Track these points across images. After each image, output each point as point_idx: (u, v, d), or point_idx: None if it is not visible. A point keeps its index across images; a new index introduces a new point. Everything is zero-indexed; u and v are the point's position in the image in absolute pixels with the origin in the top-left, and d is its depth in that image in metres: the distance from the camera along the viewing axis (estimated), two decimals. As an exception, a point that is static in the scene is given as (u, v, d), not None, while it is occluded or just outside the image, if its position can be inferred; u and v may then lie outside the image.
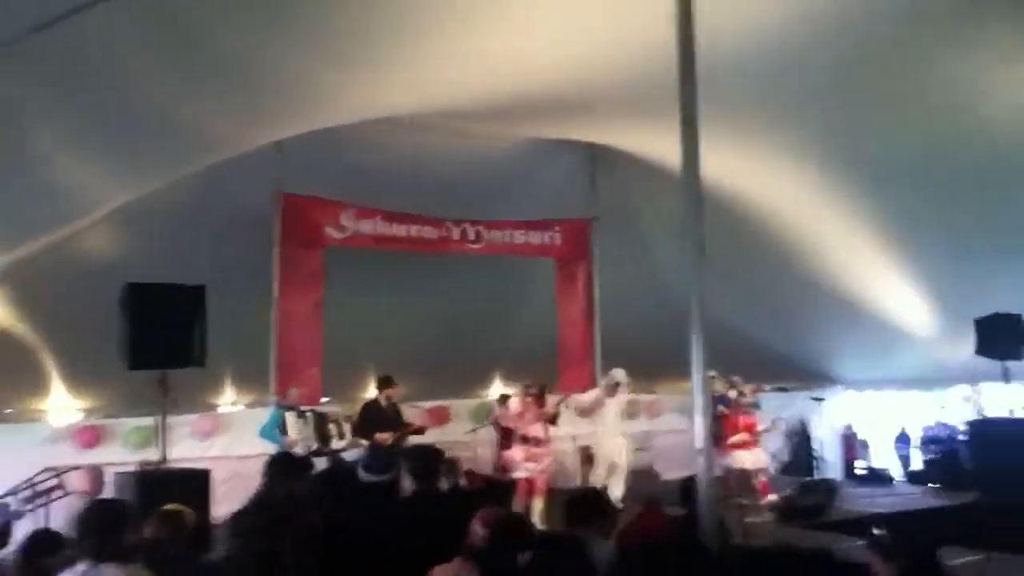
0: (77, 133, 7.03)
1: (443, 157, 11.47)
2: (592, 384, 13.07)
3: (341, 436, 9.52)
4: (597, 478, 9.60)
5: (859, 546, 3.48)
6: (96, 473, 6.69)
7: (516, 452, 9.11)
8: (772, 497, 10.00)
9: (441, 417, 11.28)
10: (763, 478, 10.51)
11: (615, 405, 9.92)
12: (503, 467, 9.48)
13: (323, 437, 9.28)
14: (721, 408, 10.67)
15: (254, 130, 8.95)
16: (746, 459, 10.39)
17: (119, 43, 6.03)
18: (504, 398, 11.31)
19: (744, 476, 10.27)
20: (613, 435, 9.81)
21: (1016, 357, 10.57)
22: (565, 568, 2.98)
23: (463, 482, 7.73)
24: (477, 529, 3.45)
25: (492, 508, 3.53)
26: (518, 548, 3.20)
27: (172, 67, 6.70)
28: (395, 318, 12.86)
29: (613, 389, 9.93)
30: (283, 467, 4.46)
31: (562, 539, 3.55)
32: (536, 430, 9.10)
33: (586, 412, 9.97)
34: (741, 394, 10.75)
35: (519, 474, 8.99)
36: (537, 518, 8.68)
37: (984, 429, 11.35)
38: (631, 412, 10.46)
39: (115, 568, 3.44)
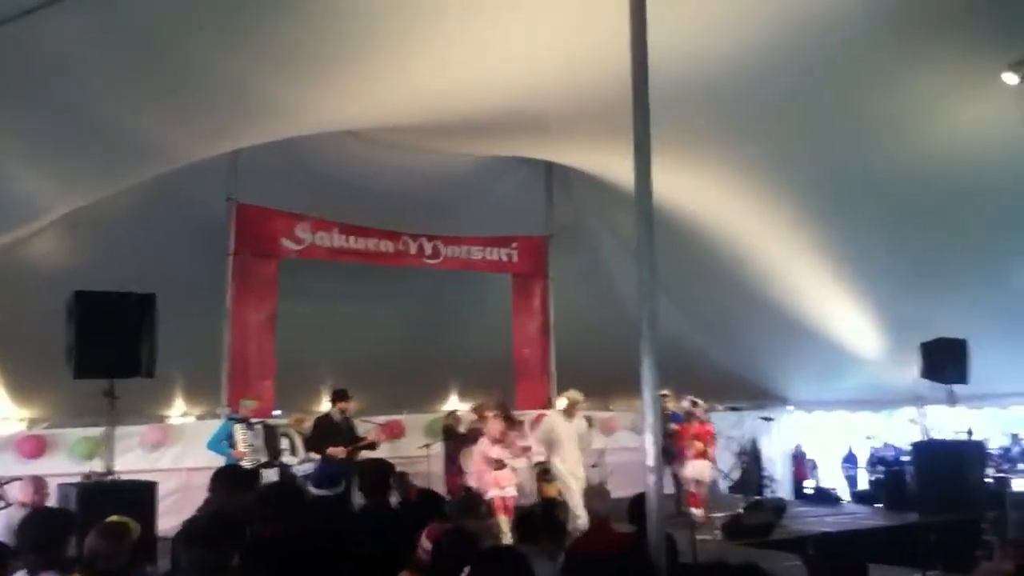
0: (25, 137, 6.93)
1: (399, 170, 11.49)
2: (548, 400, 13.15)
3: (294, 451, 9.44)
4: (572, 497, 9.45)
5: (796, 564, 3.55)
6: (39, 484, 6.50)
7: (489, 474, 9.09)
8: (720, 515, 10.12)
9: (395, 431, 11.22)
10: (702, 491, 10.66)
11: (571, 429, 9.89)
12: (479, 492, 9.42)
13: (273, 450, 9.18)
14: (672, 426, 10.83)
15: (208, 140, 8.88)
16: (695, 469, 10.57)
17: (72, 47, 5.97)
18: (453, 414, 11.30)
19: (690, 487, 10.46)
20: (574, 464, 9.75)
21: (960, 381, 10.79)
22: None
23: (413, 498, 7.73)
24: (424, 543, 3.47)
25: (439, 523, 3.55)
26: (461, 562, 3.22)
27: (125, 74, 6.64)
28: (350, 331, 12.81)
29: (571, 411, 9.90)
30: (229, 480, 4.41)
31: (504, 555, 3.57)
32: (500, 452, 9.13)
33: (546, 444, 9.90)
34: (695, 403, 10.92)
35: (493, 494, 8.99)
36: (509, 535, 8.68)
37: (927, 451, 11.57)
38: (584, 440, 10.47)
39: (54, 577, 3.38)
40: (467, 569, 3.16)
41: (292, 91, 7.82)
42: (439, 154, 11.64)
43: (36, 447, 9.24)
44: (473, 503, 5.00)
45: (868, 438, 16.51)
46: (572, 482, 9.46)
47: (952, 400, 11.01)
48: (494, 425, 9.30)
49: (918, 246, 10.21)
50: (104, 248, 10.31)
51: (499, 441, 9.15)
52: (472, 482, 9.24)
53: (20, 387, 11.28)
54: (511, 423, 9.38)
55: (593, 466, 10.53)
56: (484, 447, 9.14)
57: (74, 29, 5.69)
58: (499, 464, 9.02)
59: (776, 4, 6.87)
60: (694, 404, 10.92)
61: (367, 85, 8.03)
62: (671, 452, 10.51)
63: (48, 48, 5.83)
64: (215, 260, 10.84)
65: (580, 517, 8.79)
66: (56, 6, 5.11)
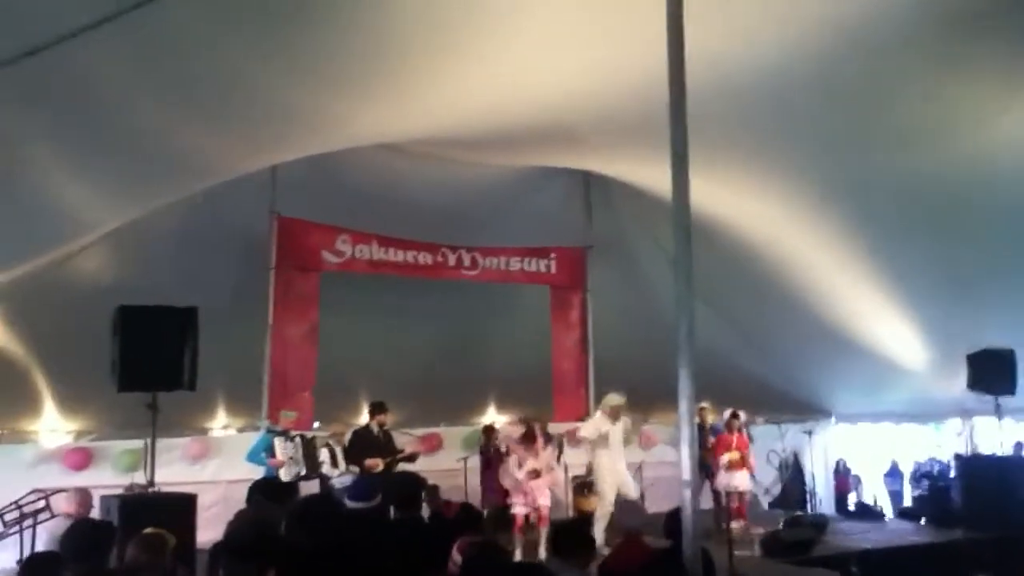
0: (71, 157, 7.08)
1: (437, 183, 11.55)
2: (586, 413, 13.08)
3: (335, 463, 9.49)
4: (604, 510, 9.36)
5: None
6: (83, 495, 6.63)
7: (516, 491, 9.11)
8: (760, 531, 9.97)
9: (433, 444, 11.25)
10: (744, 502, 10.57)
11: (619, 431, 9.79)
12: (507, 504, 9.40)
13: (312, 462, 9.25)
14: (712, 439, 10.73)
15: (249, 155, 9.02)
16: (733, 480, 10.45)
17: (115, 68, 6.10)
18: (490, 428, 11.28)
19: (730, 499, 10.34)
20: (619, 463, 9.63)
21: (1008, 392, 10.56)
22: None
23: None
24: (454, 556, 3.47)
25: (470, 537, 3.54)
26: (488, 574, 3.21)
27: (166, 92, 6.76)
28: (388, 344, 12.88)
29: (616, 413, 9.77)
30: (265, 492, 4.46)
31: (531, 569, 3.56)
32: (531, 463, 9.10)
33: (590, 442, 9.80)
34: (735, 415, 10.81)
35: (518, 510, 8.97)
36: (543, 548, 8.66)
37: (973, 465, 11.32)
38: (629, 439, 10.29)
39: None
40: None
41: (331, 106, 7.91)
42: (477, 166, 11.68)
43: (81, 459, 9.41)
44: (505, 518, 4.99)
45: (915, 452, 16.20)
46: (609, 487, 9.37)
47: (999, 412, 10.77)
48: (516, 449, 9.29)
49: (962, 256, 10.02)
50: (147, 263, 10.49)
51: (521, 449, 9.09)
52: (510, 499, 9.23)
53: (66, 400, 11.49)
54: (531, 435, 9.29)
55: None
56: (513, 469, 9.13)
57: (116, 50, 5.81)
58: (533, 474, 8.98)
59: (814, 13, 6.80)
60: (734, 416, 10.82)
61: (404, 99, 8.10)
62: (708, 466, 10.42)
63: (92, 68, 5.97)
64: (256, 274, 10.98)
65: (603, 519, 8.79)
66: (99, 29, 5.23)
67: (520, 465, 9.07)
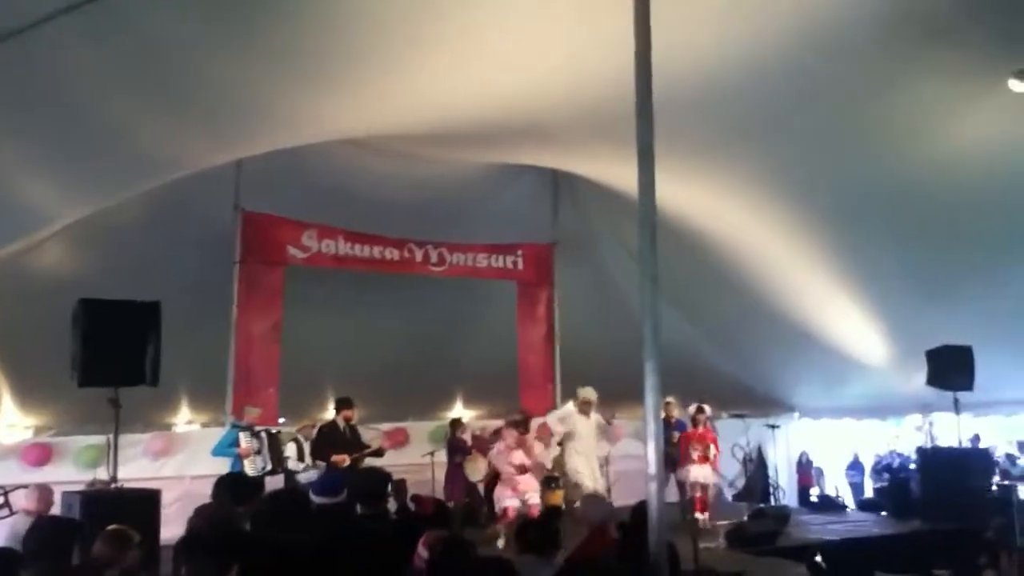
0: (29, 148, 6.97)
1: (405, 179, 11.52)
2: (553, 407, 13.14)
3: (301, 457, 9.47)
4: (583, 485, 9.51)
5: (801, 573, 3.55)
6: (44, 492, 6.53)
7: (506, 485, 9.16)
8: (724, 523, 10.10)
9: (399, 439, 11.24)
10: (708, 495, 10.68)
11: (591, 425, 9.93)
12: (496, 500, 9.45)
13: (276, 457, 9.22)
14: (676, 434, 10.84)
15: (213, 149, 8.92)
16: (698, 473, 10.56)
17: (76, 59, 6.01)
18: (456, 422, 11.29)
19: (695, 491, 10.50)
20: (590, 457, 9.81)
21: (966, 388, 10.75)
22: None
23: (412, 506, 7.75)
24: (421, 551, 3.48)
25: (436, 532, 3.55)
26: (454, 571, 3.22)
27: (129, 84, 6.68)
28: (354, 338, 12.82)
29: (587, 407, 9.93)
30: (231, 488, 4.43)
31: (495, 565, 3.59)
32: (520, 457, 9.17)
33: (559, 435, 9.95)
34: (700, 409, 10.94)
35: (509, 503, 9.03)
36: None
37: (932, 458, 11.55)
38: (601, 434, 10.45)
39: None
40: None
41: (296, 100, 7.85)
42: (444, 163, 11.66)
43: (41, 455, 9.29)
44: (473, 513, 5.00)
45: (876, 446, 16.47)
46: (587, 477, 9.52)
47: (958, 408, 10.97)
48: (509, 433, 9.33)
49: (924, 254, 10.19)
50: (109, 257, 10.35)
51: (518, 447, 9.19)
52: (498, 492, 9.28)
53: (26, 395, 11.30)
54: (523, 431, 9.44)
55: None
56: (506, 455, 9.13)
57: (78, 41, 5.73)
58: (521, 469, 9.06)
59: (781, 14, 6.87)
60: (700, 410, 10.94)
61: (371, 94, 8.06)
62: (675, 459, 10.52)
63: (53, 60, 5.88)
64: (220, 269, 10.88)
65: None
66: (60, 19, 5.15)
67: (509, 458, 9.12)
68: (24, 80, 6.01)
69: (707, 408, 11.10)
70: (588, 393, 9.95)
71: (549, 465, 10.44)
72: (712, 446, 10.84)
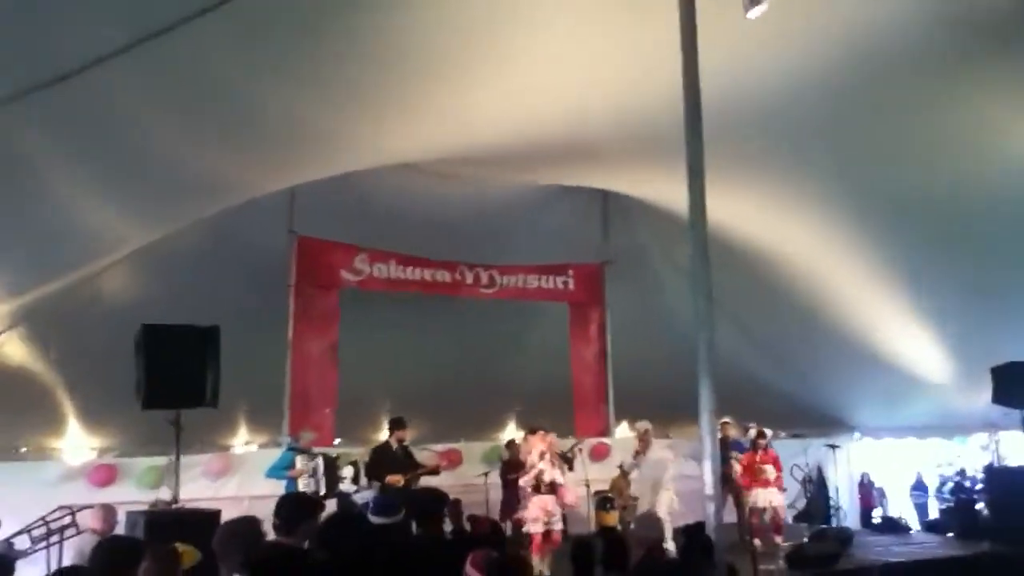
0: (95, 179, 7.18)
1: (456, 201, 11.62)
2: (606, 428, 13.10)
3: (357, 480, 9.52)
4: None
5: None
6: (108, 512, 6.68)
7: (535, 505, 8.87)
8: (785, 544, 9.93)
9: (453, 459, 11.26)
10: (779, 518, 10.57)
11: (657, 453, 9.98)
12: (518, 521, 9.20)
13: (331, 480, 9.28)
14: (735, 454, 10.70)
15: (267, 176, 9.11)
16: (764, 497, 10.47)
17: (134, 94, 6.19)
18: (512, 443, 11.23)
19: (762, 516, 10.43)
20: (666, 488, 9.75)
21: (1032, 406, 10.45)
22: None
23: (467, 526, 7.72)
24: (470, 571, 3.48)
25: (484, 551, 3.55)
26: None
27: (186, 117, 6.86)
28: (407, 360, 12.90)
29: (644, 438, 10.01)
30: (295, 506, 4.48)
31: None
32: (551, 475, 8.97)
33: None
34: (761, 434, 10.89)
35: (534, 528, 8.76)
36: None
37: (1000, 477, 11.20)
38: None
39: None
40: None
41: (347, 126, 7.98)
42: (494, 184, 11.74)
43: (106, 476, 9.48)
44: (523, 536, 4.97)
45: (939, 466, 16.04)
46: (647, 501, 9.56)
47: (1025, 426, 10.64)
48: (533, 441, 9.11)
49: (985, 268, 9.96)
50: (169, 283, 10.59)
51: (543, 455, 8.92)
52: (519, 513, 9.00)
53: (91, 417, 11.58)
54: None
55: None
56: (534, 469, 8.90)
57: (138, 76, 5.90)
58: (551, 488, 8.84)
59: (830, 26, 6.82)
60: (761, 434, 10.83)
61: (421, 119, 8.17)
62: (731, 480, 10.39)
63: (114, 95, 6.07)
64: (276, 293, 11.07)
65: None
66: (119, 57, 5.34)
67: (542, 474, 8.92)
68: (88, 115, 6.20)
69: (767, 432, 11.04)
70: (639, 426, 10.18)
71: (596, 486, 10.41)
72: (774, 468, 10.68)
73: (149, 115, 6.64)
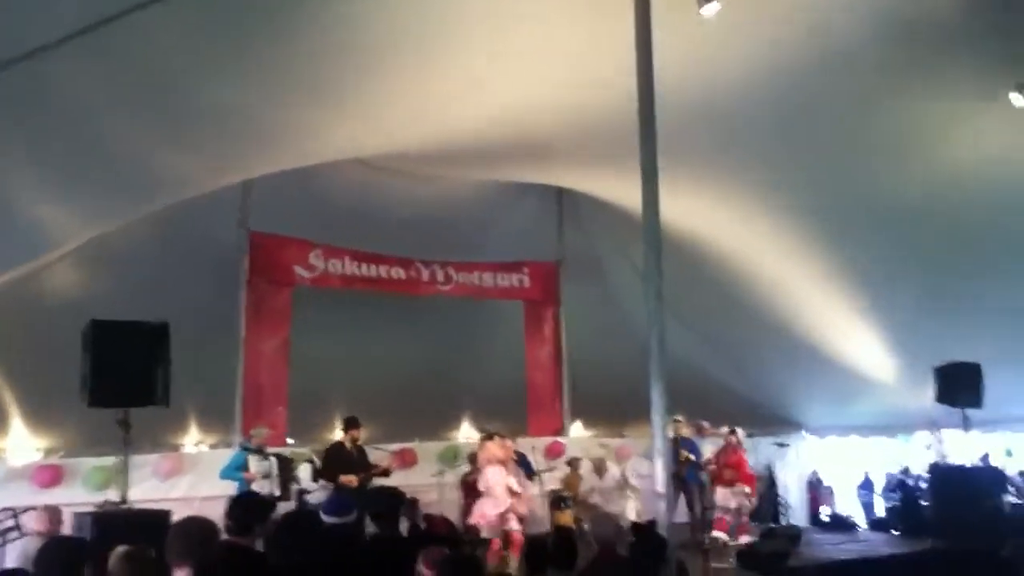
0: (38, 171, 7.03)
1: (411, 198, 11.60)
2: (561, 427, 13.15)
3: (315, 478, 9.43)
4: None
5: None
6: (54, 513, 6.54)
7: (491, 508, 8.73)
8: (742, 539, 10.13)
9: (408, 459, 11.22)
10: (743, 519, 10.89)
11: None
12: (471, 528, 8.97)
13: (285, 480, 9.20)
14: (685, 452, 10.84)
15: (220, 170, 9.00)
16: (731, 498, 10.76)
17: (82, 83, 6.08)
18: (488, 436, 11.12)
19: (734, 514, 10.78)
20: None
21: (974, 405, 10.69)
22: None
23: (423, 526, 7.69)
24: (422, 570, 3.48)
25: (437, 549, 3.55)
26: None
27: (136, 108, 6.76)
28: (361, 359, 12.83)
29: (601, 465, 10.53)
30: (246, 508, 4.43)
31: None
32: (512, 481, 8.92)
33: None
34: (732, 432, 11.23)
35: (492, 534, 8.60)
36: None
37: (944, 476, 11.44)
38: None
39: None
40: None
41: (300, 121, 7.93)
42: (449, 181, 11.74)
43: (51, 477, 9.28)
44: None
45: (886, 464, 16.38)
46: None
47: (967, 424, 10.90)
48: (491, 447, 9.01)
49: (929, 269, 10.18)
50: (118, 279, 10.40)
51: (502, 462, 8.88)
52: (474, 518, 8.86)
53: (36, 417, 11.33)
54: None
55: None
56: (495, 475, 8.84)
57: (84, 67, 5.81)
58: (511, 493, 8.80)
59: (781, 29, 6.94)
60: (732, 432, 11.08)
61: (375, 113, 8.15)
62: (682, 477, 10.53)
63: (61, 86, 5.95)
64: (227, 289, 10.93)
65: None
66: (67, 44, 5.23)
67: (504, 479, 8.88)
68: (31, 106, 6.08)
69: (738, 430, 11.33)
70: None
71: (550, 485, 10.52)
72: (742, 468, 11.03)
73: (97, 105, 6.53)
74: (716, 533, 10.42)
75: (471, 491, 9.76)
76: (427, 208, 11.98)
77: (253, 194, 10.65)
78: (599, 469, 10.47)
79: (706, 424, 11.62)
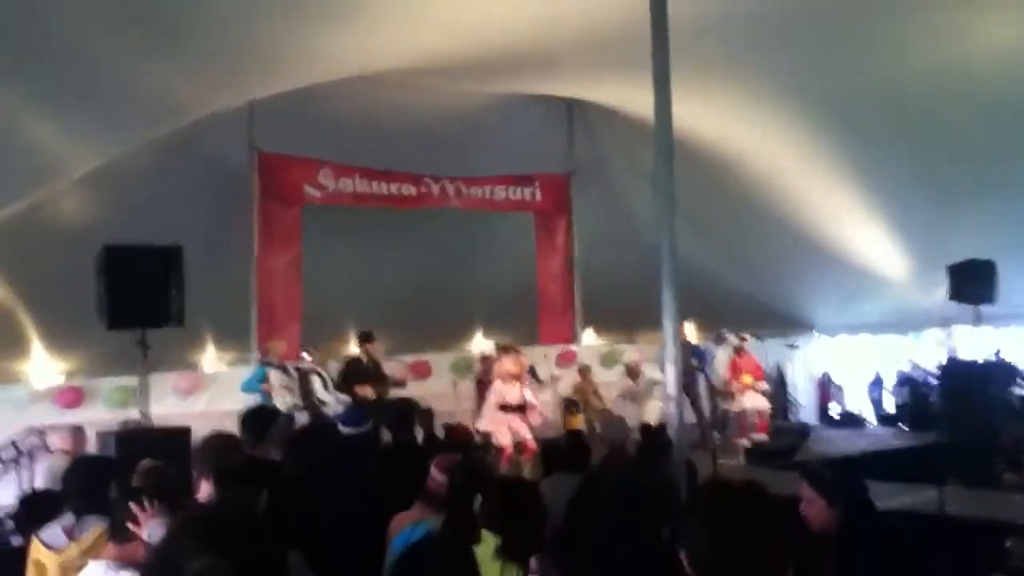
0: (39, 98, 6.98)
1: (419, 112, 11.44)
2: (573, 335, 13.27)
3: (327, 387, 9.62)
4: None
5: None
6: (78, 432, 6.74)
7: (501, 423, 9.05)
8: (746, 441, 10.32)
9: (422, 371, 11.39)
10: (763, 419, 11.15)
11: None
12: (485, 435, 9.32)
13: (306, 392, 9.39)
14: (694, 361, 10.98)
15: (223, 91, 8.91)
16: (747, 401, 11.07)
17: (78, 6, 5.97)
18: (485, 358, 11.32)
19: (743, 418, 11.08)
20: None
21: (988, 301, 10.71)
22: (518, 509, 3.12)
23: (442, 435, 7.86)
24: (435, 475, 3.58)
25: (449, 455, 3.64)
26: (473, 491, 3.31)
27: (135, 30, 6.66)
28: (372, 273, 12.90)
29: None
30: (255, 417, 4.54)
31: (515, 483, 3.71)
32: (517, 395, 9.14)
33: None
34: (743, 339, 11.49)
35: (505, 441, 8.94)
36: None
37: (953, 371, 11.55)
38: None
39: (98, 519, 3.54)
40: (479, 498, 3.26)
41: (304, 39, 7.79)
42: (458, 95, 11.57)
43: (74, 398, 9.50)
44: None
45: (896, 362, 16.52)
46: None
47: (978, 320, 10.94)
48: (506, 363, 9.26)
49: (943, 166, 10.08)
50: (129, 203, 10.38)
51: (515, 378, 9.13)
52: (483, 425, 9.16)
53: (55, 342, 11.48)
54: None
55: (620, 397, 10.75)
56: (499, 388, 9.09)
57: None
58: (517, 408, 9.01)
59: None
60: (742, 339, 11.20)
61: (378, 28, 7.99)
62: (688, 383, 10.70)
63: (55, 9, 5.85)
64: (238, 209, 10.94)
65: None
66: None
67: (507, 395, 9.09)
68: (26, 29, 5.98)
69: (748, 336, 11.61)
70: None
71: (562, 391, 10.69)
72: (758, 373, 11.38)
73: (93, 29, 6.43)
74: (756, 436, 10.70)
75: (483, 393, 10.02)
76: (436, 123, 11.83)
77: (260, 114, 10.53)
78: (632, 372, 10.56)
79: (727, 332, 11.72)
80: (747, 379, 11.22)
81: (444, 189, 12.73)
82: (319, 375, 9.67)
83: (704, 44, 8.17)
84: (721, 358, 11.58)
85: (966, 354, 12.41)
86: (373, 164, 12.10)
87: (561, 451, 4.86)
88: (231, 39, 7.40)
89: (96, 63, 6.86)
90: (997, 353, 13.18)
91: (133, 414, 7.52)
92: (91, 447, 6.87)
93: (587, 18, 8.01)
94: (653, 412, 10.04)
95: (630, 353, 12.47)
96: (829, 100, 9.59)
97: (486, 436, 8.90)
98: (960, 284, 10.82)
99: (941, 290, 11.05)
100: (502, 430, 8.96)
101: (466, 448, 5.91)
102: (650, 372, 11.03)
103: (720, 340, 11.70)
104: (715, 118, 10.64)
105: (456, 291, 13.51)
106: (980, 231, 10.54)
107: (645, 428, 4.92)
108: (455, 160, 12.71)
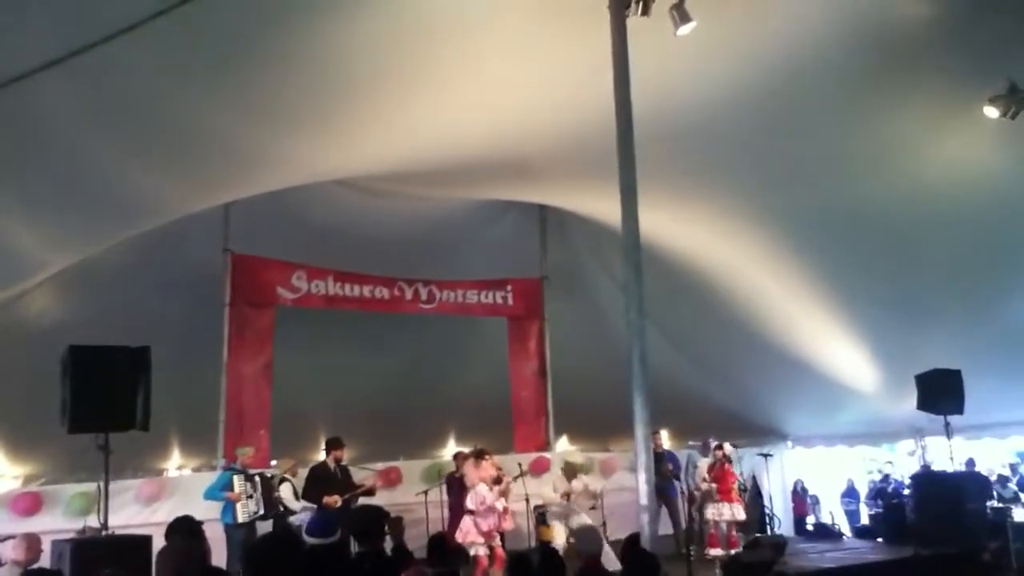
0: (16, 196, 6.99)
1: (393, 218, 11.59)
2: (546, 443, 13.14)
3: (297, 498, 9.40)
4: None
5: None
6: (32, 541, 6.44)
7: (478, 523, 8.92)
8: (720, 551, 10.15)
9: (392, 478, 11.17)
10: (736, 532, 11.02)
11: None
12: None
13: (269, 501, 9.16)
14: (670, 466, 10.89)
15: (200, 193, 8.97)
16: (729, 511, 10.95)
17: (62, 109, 6.06)
18: (458, 455, 11.15)
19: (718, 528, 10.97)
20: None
21: (956, 412, 10.77)
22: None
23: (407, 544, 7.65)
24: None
25: (417, 567, 3.54)
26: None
27: (116, 133, 6.74)
28: (346, 378, 12.80)
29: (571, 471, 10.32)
30: (180, 531, 4.42)
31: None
32: (493, 497, 9.02)
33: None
34: (720, 447, 11.39)
35: (481, 551, 8.82)
36: None
37: (926, 482, 11.51)
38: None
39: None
40: None
41: (281, 143, 7.92)
42: (432, 200, 11.74)
43: (31, 504, 9.16)
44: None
45: (869, 472, 16.46)
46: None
47: (949, 431, 10.97)
48: (487, 467, 9.19)
49: (907, 279, 10.29)
50: (97, 303, 10.34)
51: (496, 481, 9.06)
52: (460, 536, 8.96)
53: (15, 444, 11.22)
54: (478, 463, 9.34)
55: (592, 508, 10.50)
56: (482, 493, 8.98)
57: (65, 92, 5.79)
58: (492, 510, 8.89)
59: (755, 44, 7.01)
60: (719, 447, 11.26)
61: (357, 135, 8.16)
62: (662, 489, 10.56)
63: (40, 111, 5.93)
64: (209, 311, 10.86)
65: None
66: (47, 71, 5.22)
67: (485, 497, 8.99)
68: (11, 131, 6.05)
69: (726, 445, 11.46)
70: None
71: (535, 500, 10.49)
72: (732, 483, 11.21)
73: (77, 132, 6.51)
74: (712, 551, 10.52)
75: (457, 504, 9.82)
76: (409, 227, 11.97)
77: (234, 216, 10.60)
78: (569, 474, 10.31)
79: (713, 441, 11.70)
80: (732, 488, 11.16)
81: (417, 292, 12.75)
82: (290, 483, 9.46)
83: (674, 154, 8.42)
84: (702, 467, 11.49)
85: (939, 465, 12.40)
86: (347, 267, 12.15)
87: (534, 565, 4.73)
88: (209, 143, 7.50)
89: (75, 164, 6.92)
90: (970, 463, 13.22)
91: (93, 522, 7.27)
92: (46, 556, 6.59)
93: (558, 129, 8.23)
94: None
95: (597, 462, 12.36)
96: (799, 213, 9.84)
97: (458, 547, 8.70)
98: (928, 394, 10.87)
99: (912, 401, 11.10)
100: (479, 538, 8.80)
101: (454, 561, 5.76)
102: (593, 484, 10.80)
103: (706, 449, 11.65)
104: (688, 230, 10.88)
105: (429, 396, 13.42)
106: (947, 342, 10.68)
107: (631, 543, 4.80)
108: (429, 264, 12.80)
